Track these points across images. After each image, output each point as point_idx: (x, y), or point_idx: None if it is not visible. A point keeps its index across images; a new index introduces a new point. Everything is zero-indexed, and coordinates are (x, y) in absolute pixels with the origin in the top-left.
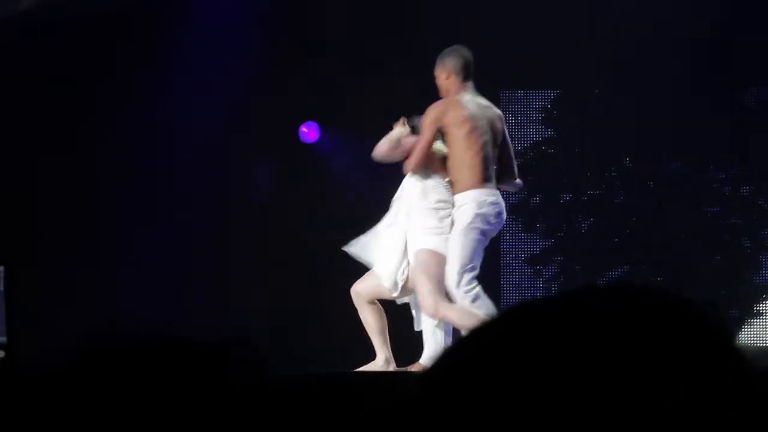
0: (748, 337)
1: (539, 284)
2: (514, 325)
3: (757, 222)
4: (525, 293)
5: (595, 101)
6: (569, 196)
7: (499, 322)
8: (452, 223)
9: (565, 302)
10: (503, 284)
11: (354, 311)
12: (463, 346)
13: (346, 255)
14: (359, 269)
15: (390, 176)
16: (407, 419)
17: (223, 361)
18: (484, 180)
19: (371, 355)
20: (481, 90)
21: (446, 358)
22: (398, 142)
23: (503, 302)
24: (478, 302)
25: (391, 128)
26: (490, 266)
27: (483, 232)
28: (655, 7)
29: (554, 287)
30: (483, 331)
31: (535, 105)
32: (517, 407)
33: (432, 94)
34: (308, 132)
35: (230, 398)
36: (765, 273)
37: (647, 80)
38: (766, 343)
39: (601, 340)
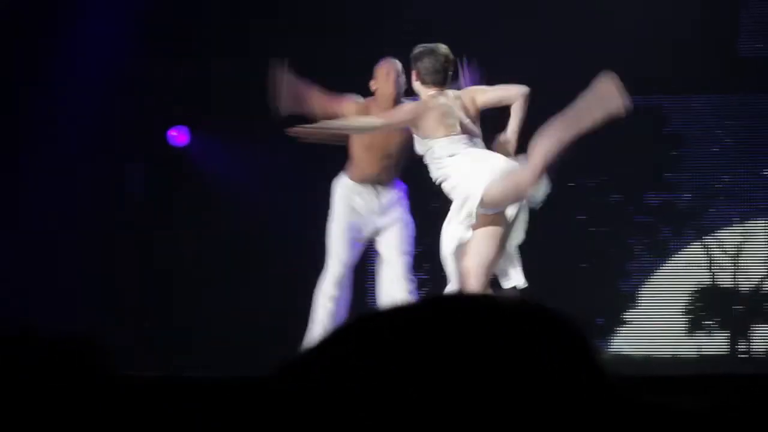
0: (614, 345)
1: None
2: (362, 333)
3: (624, 230)
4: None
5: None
6: (437, 205)
7: (350, 329)
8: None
9: (422, 309)
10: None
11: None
12: (318, 348)
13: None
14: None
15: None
16: (260, 404)
17: (67, 357)
18: None
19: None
20: None
21: (301, 358)
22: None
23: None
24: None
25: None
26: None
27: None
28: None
29: (423, 293)
30: (336, 336)
31: None
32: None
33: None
34: (177, 136)
35: (72, 394)
36: (631, 281)
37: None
38: (632, 351)
39: (454, 345)
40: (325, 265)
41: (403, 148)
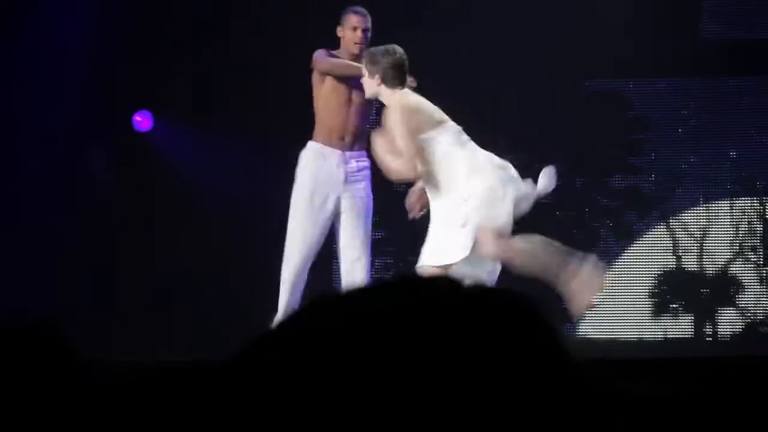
0: (579, 328)
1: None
2: (315, 319)
3: (589, 214)
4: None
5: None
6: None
7: (301, 316)
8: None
9: (383, 292)
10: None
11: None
12: (267, 337)
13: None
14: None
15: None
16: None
17: (28, 342)
18: None
19: None
20: None
21: (253, 345)
22: None
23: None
24: None
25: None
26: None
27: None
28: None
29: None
30: (287, 323)
31: None
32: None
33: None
34: (141, 121)
35: (34, 379)
36: None
37: (476, 76)
38: (597, 335)
39: (411, 332)
40: (287, 247)
41: (368, 110)
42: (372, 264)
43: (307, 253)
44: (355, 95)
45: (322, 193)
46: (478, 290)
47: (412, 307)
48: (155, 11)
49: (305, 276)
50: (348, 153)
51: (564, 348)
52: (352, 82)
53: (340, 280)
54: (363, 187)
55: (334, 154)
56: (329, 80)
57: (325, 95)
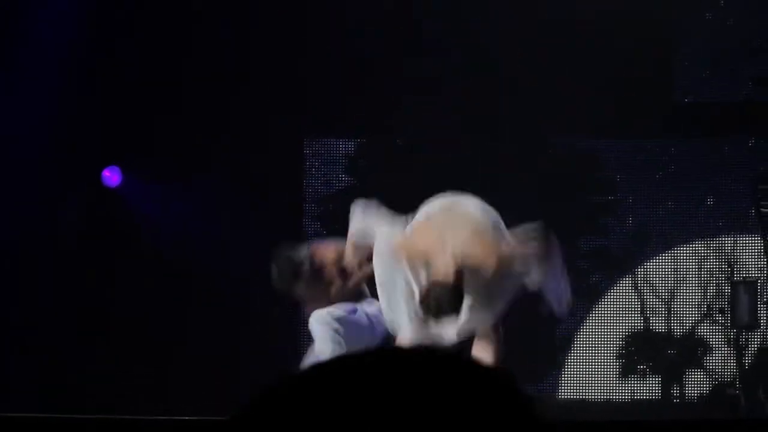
0: (548, 389)
1: None
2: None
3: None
4: None
5: (398, 149)
6: None
7: (312, 375)
8: None
9: (375, 360)
10: None
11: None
12: (274, 395)
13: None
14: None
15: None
16: None
17: None
18: None
19: None
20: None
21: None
22: None
23: None
24: None
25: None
26: None
27: None
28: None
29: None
30: (296, 382)
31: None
32: None
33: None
34: (111, 176)
35: None
36: (565, 325)
37: (445, 134)
38: (566, 395)
39: (387, 399)
40: None
41: None
42: None
43: None
44: None
45: None
46: (451, 359)
47: (392, 377)
48: (124, 66)
49: None
50: None
51: (537, 415)
52: None
53: None
54: None
55: None
56: None
57: None
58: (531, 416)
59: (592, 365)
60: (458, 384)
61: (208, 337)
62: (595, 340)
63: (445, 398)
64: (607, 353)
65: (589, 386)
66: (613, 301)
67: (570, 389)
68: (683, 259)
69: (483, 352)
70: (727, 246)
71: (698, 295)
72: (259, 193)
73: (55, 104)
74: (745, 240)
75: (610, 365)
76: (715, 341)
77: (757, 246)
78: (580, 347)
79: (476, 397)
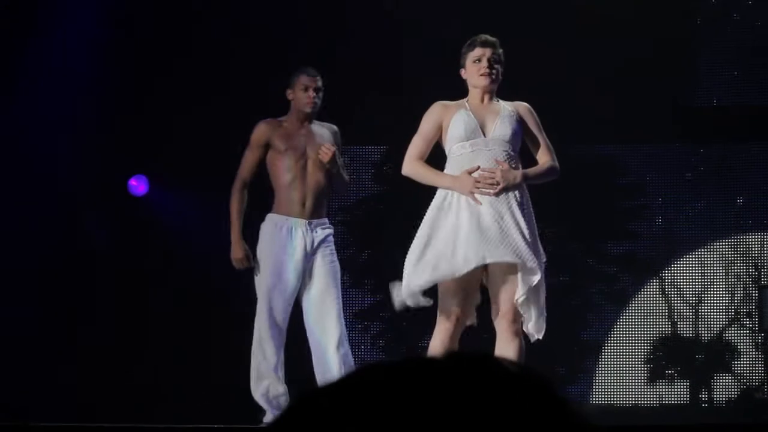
0: (575, 394)
1: (367, 339)
2: (357, 390)
3: (584, 279)
4: (354, 349)
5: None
6: (399, 251)
7: (343, 385)
8: None
9: (410, 369)
10: None
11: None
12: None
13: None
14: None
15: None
16: None
17: None
18: None
19: None
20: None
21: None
22: None
23: None
24: None
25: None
26: None
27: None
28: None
29: (381, 342)
30: (329, 390)
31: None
32: None
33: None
34: (137, 185)
35: None
36: (592, 330)
37: None
38: (593, 401)
39: (435, 407)
40: (259, 326)
41: (329, 178)
42: (368, 329)
43: (280, 325)
44: (311, 163)
45: (287, 266)
46: (507, 371)
47: (440, 387)
48: (151, 74)
49: (279, 348)
50: (313, 221)
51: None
52: (308, 151)
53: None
54: (330, 252)
55: (297, 224)
56: (284, 152)
57: (282, 167)
58: (570, 417)
59: (620, 370)
60: (493, 387)
61: (235, 344)
62: (623, 345)
63: (481, 402)
64: (635, 358)
65: (617, 391)
66: (641, 306)
67: (598, 394)
68: (710, 263)
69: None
70: (755, 249)
71: (726, 299)
72: None
73: (80, 114)
74: None
75: (638, 370)
76: (743, 345)
77: None
78: (608, 352)
79: (512, 399)
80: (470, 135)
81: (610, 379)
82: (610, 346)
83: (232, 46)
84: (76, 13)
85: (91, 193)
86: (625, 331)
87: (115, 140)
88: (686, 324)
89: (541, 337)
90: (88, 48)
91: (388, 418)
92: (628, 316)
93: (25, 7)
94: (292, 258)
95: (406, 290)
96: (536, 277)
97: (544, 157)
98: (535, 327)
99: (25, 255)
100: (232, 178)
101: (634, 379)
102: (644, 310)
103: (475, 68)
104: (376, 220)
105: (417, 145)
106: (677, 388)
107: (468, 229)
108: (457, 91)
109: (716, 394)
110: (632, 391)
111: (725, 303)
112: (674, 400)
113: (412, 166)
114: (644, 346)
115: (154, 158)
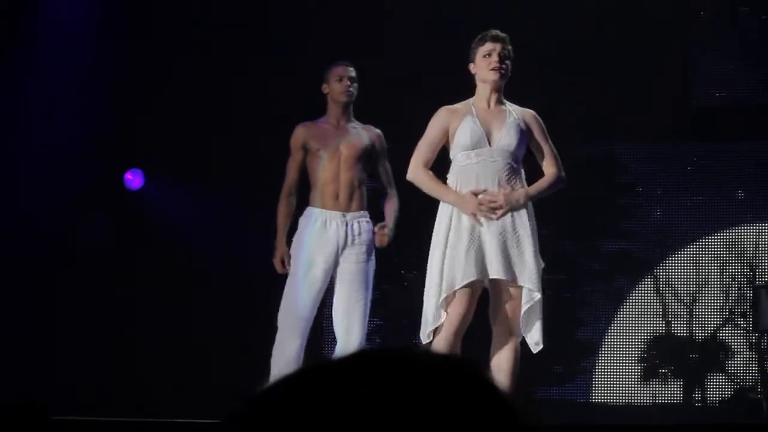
0: (569, 393)
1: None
2: (303, 385)
3: (579, 278)
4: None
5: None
6: (398, 249)
7: (288, 383)
8: None
9: (352, 365)
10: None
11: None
12: (257, 399)
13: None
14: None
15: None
16: None
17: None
18: None
19: None
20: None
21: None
22: None
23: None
24: None
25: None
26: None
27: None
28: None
29: (377, 340)
30: (277, 386)
31: None
32: None
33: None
34: (133, 179)
35: None
36: (587, 330)
37: None
38: (587, 399)
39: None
40: (283, 317)
41: (364, 173)
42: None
43: (305, 319)
44: (344, 160)
45: (317, 259)
46: (438, 361)
47: (374, 377)
48: (147, 68)
49: (302, 340)
50: (348, 214)
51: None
52: (341, 148)
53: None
54: (365, 251)
55: (332, 216)
56: (318, 152)
57: (317, 166)
58: (499, 403)
59: (613, 369)
60: (429, 382)
61: (233, 339)
62: (616, 344)
63: (416, 397)
64: (628, 357)
65: (610, 390)
66: (635, 305)
67: (592, 393)
68: (705, 262)
69: (501, 362)
70: (750, 249)
71: (720, 299)
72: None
73: (75, 108)
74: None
75: (631, 369)
76: (737, 345)
77: None
78: (602, 351)
79: (448, 393)
80: (476, 144)
81: (604, 378)
82: (605, 344)
83: (225, 40)
84: (71, 7)
85: (87, 188)
86: (620, 330)
87: (110, 134)
88: (680, 323)
89: (540, 348)
90: (84, 42)
91: (326, 411)
92: (623, 315)
93: (22, 2)
94: (324, 251)
95: (431, 315)
96: (537, 295)
97: (549, 168)
98: (534, 339)
99: (24, 255)
100: (229, 172)
101: (628, 378)
102: (638, 309)
103: (485, 63)
104: (377, 219)
105: (423, 151)
106: (671, 388)
107: (467, 245)
108: (457, 91)
109: (710, 394)
110: (626, 390)
111: (720, 303)
112: (667, 400)
113: (418, 174)
114: (638, 345)
115: (149, 153)
